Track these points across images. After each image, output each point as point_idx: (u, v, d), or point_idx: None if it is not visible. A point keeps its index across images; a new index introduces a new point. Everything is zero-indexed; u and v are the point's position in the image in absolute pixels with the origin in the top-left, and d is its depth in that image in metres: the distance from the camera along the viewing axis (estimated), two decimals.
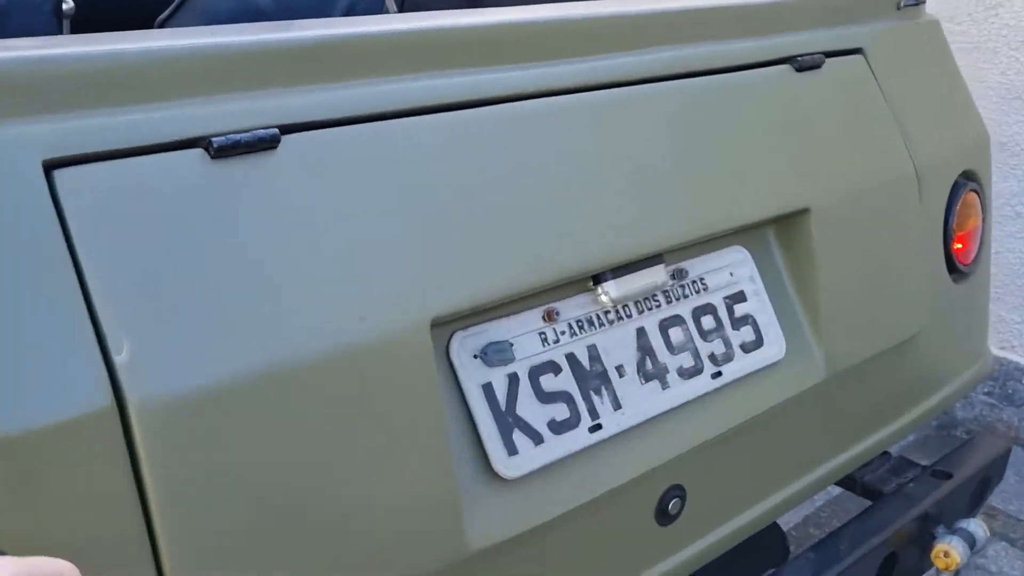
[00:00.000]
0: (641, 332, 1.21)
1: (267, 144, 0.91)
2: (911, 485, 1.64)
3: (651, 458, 1.18)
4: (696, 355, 1.25)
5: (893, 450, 1.75)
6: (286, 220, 0.91)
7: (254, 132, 0.90)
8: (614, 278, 1.16)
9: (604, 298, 1.16)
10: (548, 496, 1.08)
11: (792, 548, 2.68)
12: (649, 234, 1.19)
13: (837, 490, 2.30)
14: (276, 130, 0.92)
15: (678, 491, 1.25)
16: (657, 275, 1.21)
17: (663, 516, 1.24)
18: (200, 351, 0.83)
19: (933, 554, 1.59)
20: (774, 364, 1.33)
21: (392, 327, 0.94)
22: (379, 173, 0.97)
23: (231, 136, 0.89)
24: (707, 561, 1.32)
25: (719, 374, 1.27)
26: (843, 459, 1.53)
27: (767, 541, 1.77)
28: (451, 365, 1.05)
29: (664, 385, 1.21)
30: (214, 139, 0.88)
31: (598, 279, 1.16)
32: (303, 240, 0.91)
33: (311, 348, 0.89)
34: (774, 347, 1.33)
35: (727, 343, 1.28)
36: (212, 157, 0.88)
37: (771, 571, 1.51)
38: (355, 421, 0.92)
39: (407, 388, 0.95)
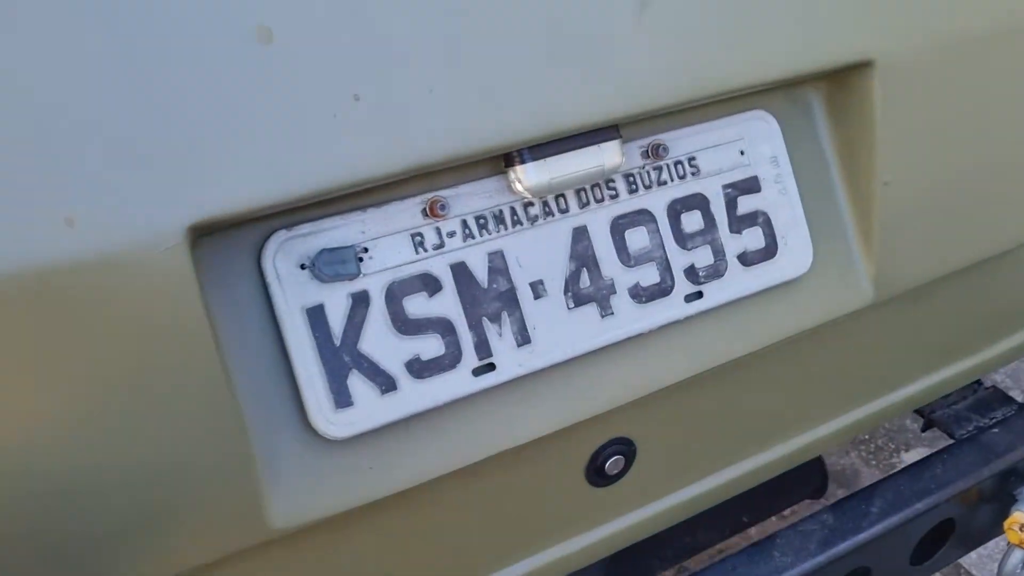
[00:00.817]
0: (580, 234, 0.86)
1: None
2: (994, 430, 1.25)
3: (574, 410, 0.86)
4: (665, 268, 0.89)
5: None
6: None
7: None
8: (535, 159, 0.81)
9: (519, 186, 0.81)
10: (397, 462, 0.79)
11: (883, 441, 2.32)
12: (597, 93, 0.81)
13: None
14: None
15: (622, 447, 0.93)
16: (607, 154, 0.84)
17: (598, 476, 0.94)
18: None
19: (1007, 523, 1.22)
20: (791, 283, 0.96)
21: (118, 233, 0.64)
22: None
23: None
24: (665, 527, 1.02)
25: (697, 295, 0.91)
26: (894, 399, 1.16)
27: (805, 471, 1.44)
28: (263, 279, 0.74)
29: (605, 311, 0.86)
30: None
31: (512, 159, 0.81)
32: None
33: None
34: (793, 258, 0.95)
35: (718, 252, 0.91)
36: None
37: (780, 530, 1.19)
38: (72, 365, 0.64)
39: (152, 320, 0.66)
